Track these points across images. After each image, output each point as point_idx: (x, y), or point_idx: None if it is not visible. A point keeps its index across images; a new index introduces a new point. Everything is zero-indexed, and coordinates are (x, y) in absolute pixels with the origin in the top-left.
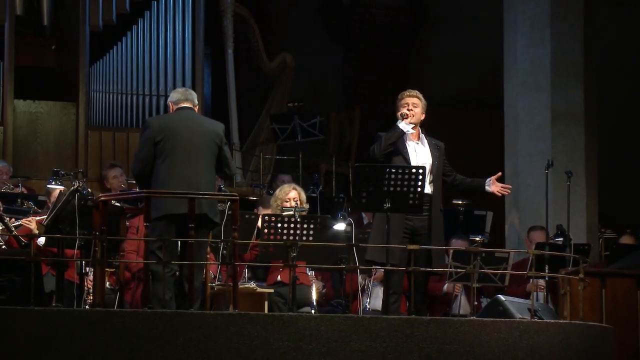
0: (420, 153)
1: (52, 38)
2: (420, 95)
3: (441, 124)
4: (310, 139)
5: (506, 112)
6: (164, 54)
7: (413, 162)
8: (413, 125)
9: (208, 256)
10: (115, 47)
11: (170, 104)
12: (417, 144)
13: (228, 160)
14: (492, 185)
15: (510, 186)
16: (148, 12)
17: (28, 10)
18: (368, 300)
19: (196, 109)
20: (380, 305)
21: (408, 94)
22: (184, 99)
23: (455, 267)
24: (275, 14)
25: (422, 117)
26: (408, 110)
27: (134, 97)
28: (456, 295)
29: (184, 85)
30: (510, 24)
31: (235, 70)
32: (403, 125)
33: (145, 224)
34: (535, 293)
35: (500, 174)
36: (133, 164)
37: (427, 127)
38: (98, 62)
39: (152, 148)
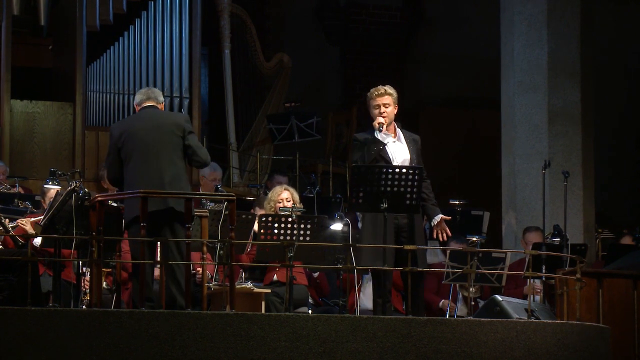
0: (398, 151)
1: (49, 38)
2: (390, 90)
3: (438, 124)
4: (307, 139)
5: (503, 113)
6: (161, 54)
7: (393, 161)
8: (394, 135)
9: (205, 256)
10: (112, 47)
11: (136, 106)
12: (394, 141)
13: (195, 149)
14: (436, 225)
15: (449, 234)
16: (145, 12)
17: (25, 10)
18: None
19: (160, 106)
20: (370, 303)
21: (377, 93)
22: (146, 98)
23: (452, 267)
24: (272, 15)
25: (395, 110)
26: (381, 113)
27: (131, 97)
28: (452, 310)
29: (180, 85)
30: (507, 24)
31: (232, 70)
32: (382, 136)
33: (141, 223)
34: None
35: (449, 217)
36: (106, 172)
37: (425, 128)
38: (95, 62)
39: (117, 154)
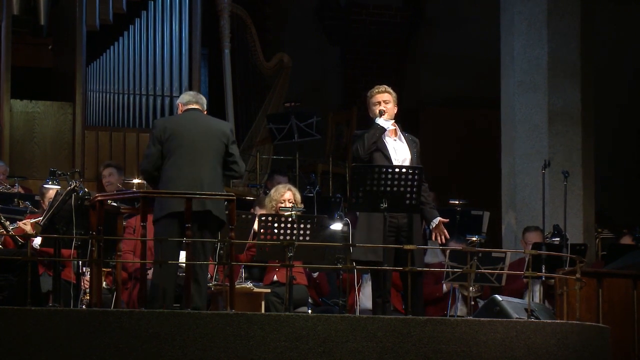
0: (399, 150)
1: (48, 38)
2: (390, 89)
3: (438, 124)
4: (307, 138)
5: (503, 112)
6: (160, 54)
7: (393, 159)
8: (392, 121)
9: None
10: (112, 47)
11: (179, 104)
12: (395, 140)
13: (237, 159)
14: (434, 228)
15: (447, 236)
16: (145, 12)
17: (25, 10)
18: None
19: (204, 113)
20: (370, 303)
21: (377, 90)
22: (195, 101)
23: (452, 267)
24: (272, 15)
25: (395, 110)
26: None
27: (131, 97)
28: (455, 288)
29: (180, 85)
30: (507, 24)
31: (232, 70)
32: (382, 122)
33: (141, 223)
34: (532, 293)
35: (447, 220)
36: (141, 162)
37: (425, 128)
38: (95, 62)
39: (158, 147)
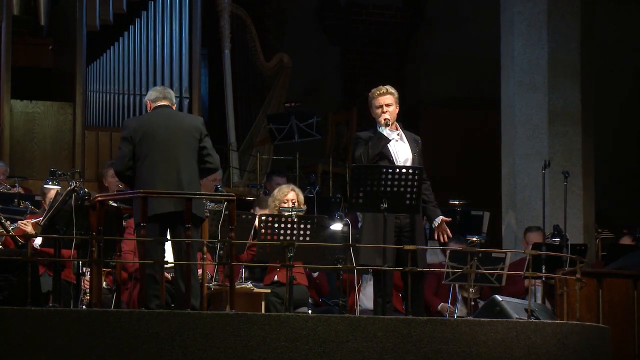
0: (400, 151)
1: (49, 38)
2: (392, 90)
3: (438, 124)
4: (307, 139)
5: (503, 112)
6: (161, 54)
7: (395, 160)
8: (397, 132)
9: (205, 256)
10: (112, 47)
11: (148, 102)
12: (397, 141)
13: (210, 151)
14: (437, 227)
15: (450, 235)
16: (145, 12)
17: (25, 10)
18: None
19: (173, 108)
20: (370, 304)
21: (379, 92)
22: (162, 97)
23: (452, 268)
24: (272, 15)
25: (397, 109)
26: (384, 112)
27: (131, 97)
28: (454, 288)
29: (180, 85)
30: (507, 24)
31: (232, 70)
32: (387, 132)
33: (141, 224)
34: (532, 293)
35: (450, 219)
36: (114, 163)
37: (425, 128)
38: (95, 62)
39: (130, 147)
